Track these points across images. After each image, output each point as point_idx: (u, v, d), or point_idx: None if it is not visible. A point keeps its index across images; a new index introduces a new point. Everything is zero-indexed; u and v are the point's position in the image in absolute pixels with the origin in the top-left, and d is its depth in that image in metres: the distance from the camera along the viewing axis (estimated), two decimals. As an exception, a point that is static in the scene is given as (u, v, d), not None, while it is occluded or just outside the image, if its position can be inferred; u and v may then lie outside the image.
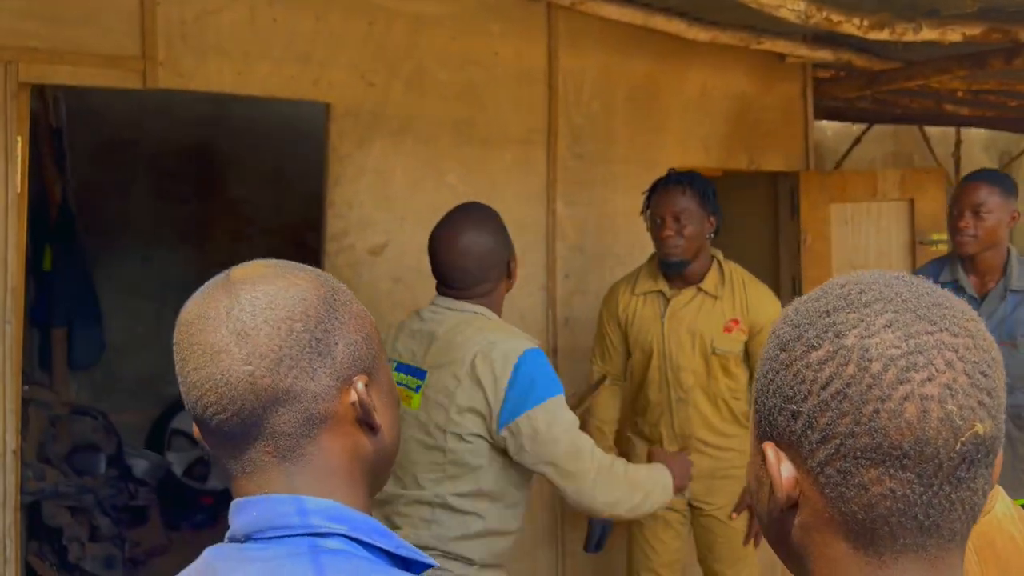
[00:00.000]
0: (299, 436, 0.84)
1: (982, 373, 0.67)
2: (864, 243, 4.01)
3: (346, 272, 2.96)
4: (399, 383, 2.07)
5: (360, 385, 0.86)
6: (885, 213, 4.00)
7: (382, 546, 0.82)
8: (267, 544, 0.80)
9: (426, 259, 3.10)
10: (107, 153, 5.61)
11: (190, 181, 5.92)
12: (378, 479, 0.93)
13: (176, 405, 5.59)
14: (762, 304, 2.81)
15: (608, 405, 2.99)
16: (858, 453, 0.67)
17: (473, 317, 2.04)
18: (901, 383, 0.66)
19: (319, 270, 0.91)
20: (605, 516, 2.03)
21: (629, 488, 2.03)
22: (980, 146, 10.05)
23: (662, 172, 3.59)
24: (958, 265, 2.91)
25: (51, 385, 5.16)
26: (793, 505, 0.71)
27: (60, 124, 5.20)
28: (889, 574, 0.68)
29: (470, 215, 2.13)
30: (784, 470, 0.71)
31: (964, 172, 8.18)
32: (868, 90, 3.97)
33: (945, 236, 4.05)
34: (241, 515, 0.83)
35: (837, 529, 0.70)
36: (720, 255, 2.89)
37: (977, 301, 2.86)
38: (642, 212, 2.89)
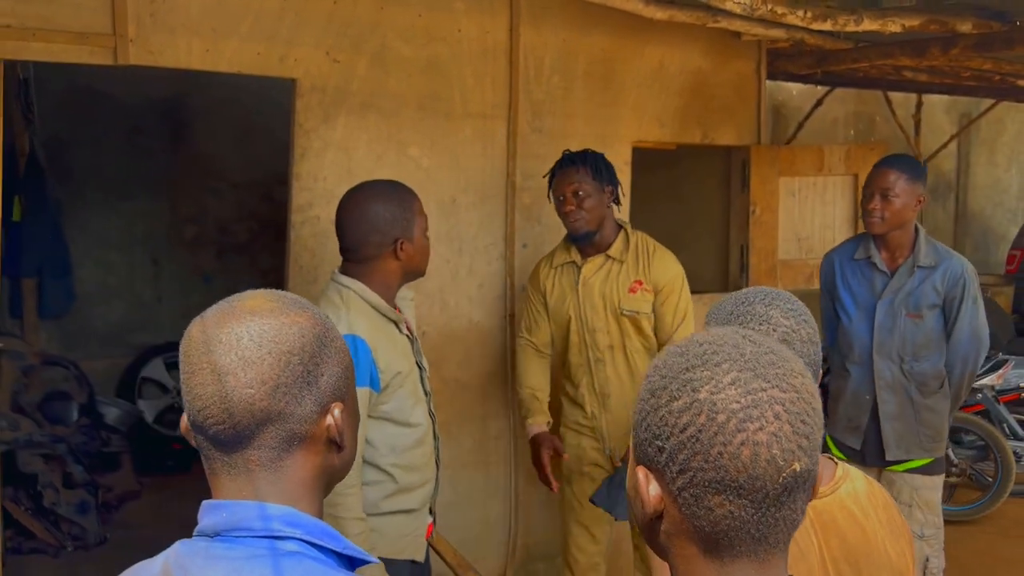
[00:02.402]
0: (280, 450, 1.00)
1: (802, 422, 0.86)
2: (810, 216, 4.21)
3: (311, 242, 3.10)
4: None
5: (336, 412, 1.03)
6: (830, 187, 4.19)
7: (331, 547, 0.99)
8: (233, 544, 0.96)
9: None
10: (77, 104, 5.63)
11: (160, 134, 5.96)
12: (331, 488, 1.10)
13: (146, 354, 5.72)
14: (663, 265, 3.03)
15: (535, 371, 3.18)
16: (706, 483, 0.85)
17: (328, 292, 2.24)
18: (739, 431, 0.84)
19: (315, 308, 1.07)
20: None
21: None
22: (942, 108, 10.24)
23: (620, 146, 3.77)
24: (871, 243, 3.15)
25: (22, 335, 5.27)
26: (659, 515, 0.90)
27: (27, 74, 5.21)
28: (728, 572, 0.87)
29: (364, 187, 2.30)
30: (652, 490, 0.89)
31: (925, 133, 8.39)
32: (818, 68, 4.12)
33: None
34: (212, 515, 0.98)
35: (691, 537, 0.88)
36: (628, 225, 3.11)
37: (888, 275, 3.11)
38: (548, 195, 3.09)
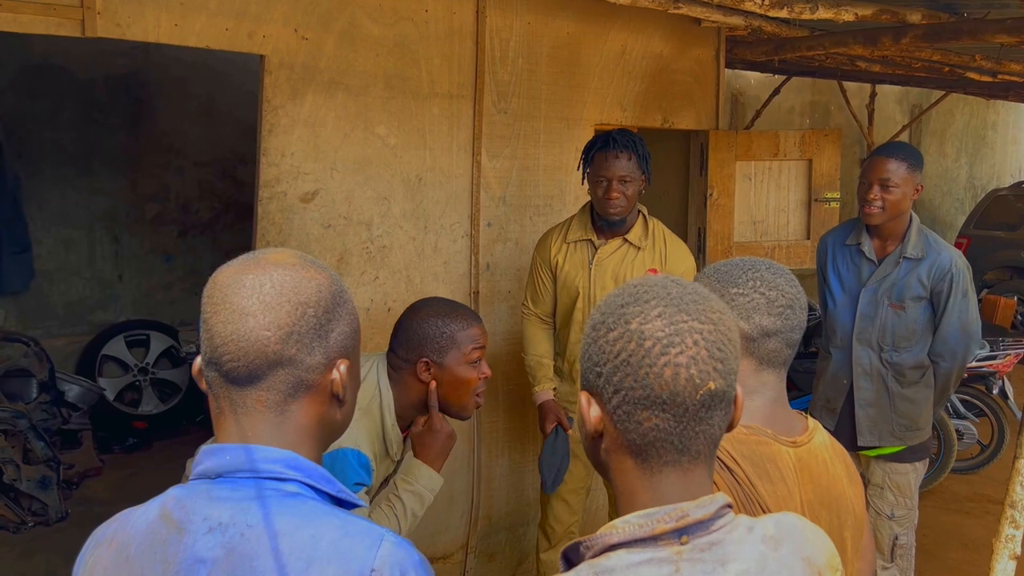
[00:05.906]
0: (287, 394, 1.06)
1: (718, 348, 0.99)
2: (764, 199, 4.33)
3: (278, 217, 3.14)
4: None
5: (342, 368, 1.10)
6: (785, 171, 4.31)
7: (326, 490, 1.06)
8: (236, 484, 1.02)
9: (354, 206, 3.31)
10: (35, 79, 5.56)
11: (120, 111, 5.90)
12: (329, 441, 1.17)
13: (107, 332, 5.69)
14: (679, 257, 3.13)
15: (541, 339, 3.26)
16: (636, 400, 0.98)
17: (370, 375, 2.10)
18: (663, 355, 0.97)
19: (331, 269, 1.14)
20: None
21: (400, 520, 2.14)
22: (894, 98, 10.49)
23: (582, 129, 3.84)
24: (863, 229, 3.13)
25: (-20, 311, 5.21)
26: (599, 435, 1.03)
27: (-17, 48, 5.14)
28: (658, 480, 1.01)
29: (422, 300, 2.21)
30: (592, 411, 1.03)
31: (878, 123, 8.60)
32: (775, 56, 4.24)
33: (838, 194, 4.39)
34: (214, 457, 1.04)
35: (625, 451, 1.01)
36: (645, 210, 3.18)
37: (875, 264, 3.10)
38: (582, 168, 3.13)
